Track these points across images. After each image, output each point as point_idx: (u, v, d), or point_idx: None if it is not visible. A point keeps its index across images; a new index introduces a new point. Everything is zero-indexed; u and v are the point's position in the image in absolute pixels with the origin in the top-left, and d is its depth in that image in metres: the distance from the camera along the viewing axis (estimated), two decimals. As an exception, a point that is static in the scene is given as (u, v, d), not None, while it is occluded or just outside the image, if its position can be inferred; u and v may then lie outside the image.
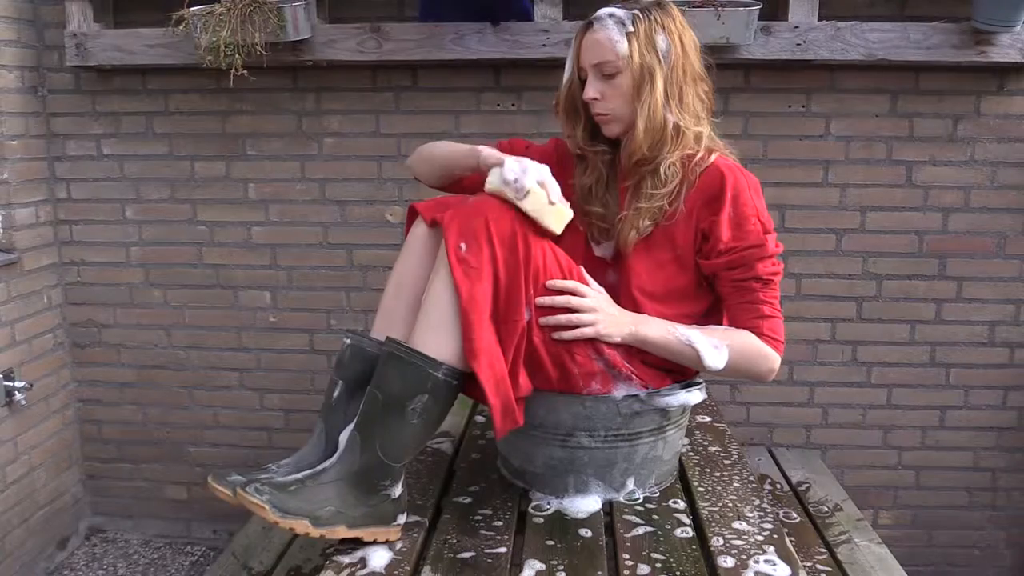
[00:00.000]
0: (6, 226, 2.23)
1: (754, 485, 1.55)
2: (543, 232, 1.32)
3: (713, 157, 1.40)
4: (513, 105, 2.23)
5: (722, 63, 1.94)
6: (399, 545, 1.30)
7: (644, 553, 1.29)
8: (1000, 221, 2.20)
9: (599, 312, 1.34)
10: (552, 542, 1.33)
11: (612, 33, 1.35)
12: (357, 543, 1.27)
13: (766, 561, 1.25)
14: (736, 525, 1.38)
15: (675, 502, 1.47)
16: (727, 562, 1.25)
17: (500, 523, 1.39)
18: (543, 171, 1.31)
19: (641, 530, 1.36)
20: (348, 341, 1.39)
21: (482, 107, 2.24)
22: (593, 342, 1.35)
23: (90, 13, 2.18)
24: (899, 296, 2.25)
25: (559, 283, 1.33)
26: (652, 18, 1.36)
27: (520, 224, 1.29)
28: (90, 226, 2.41)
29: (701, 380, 1.48)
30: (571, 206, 1.37)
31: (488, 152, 1.39)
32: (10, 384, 2.21)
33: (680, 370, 1.45)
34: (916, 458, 2.34)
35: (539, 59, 2.08)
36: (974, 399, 2.29)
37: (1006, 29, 1.96)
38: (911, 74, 2.13)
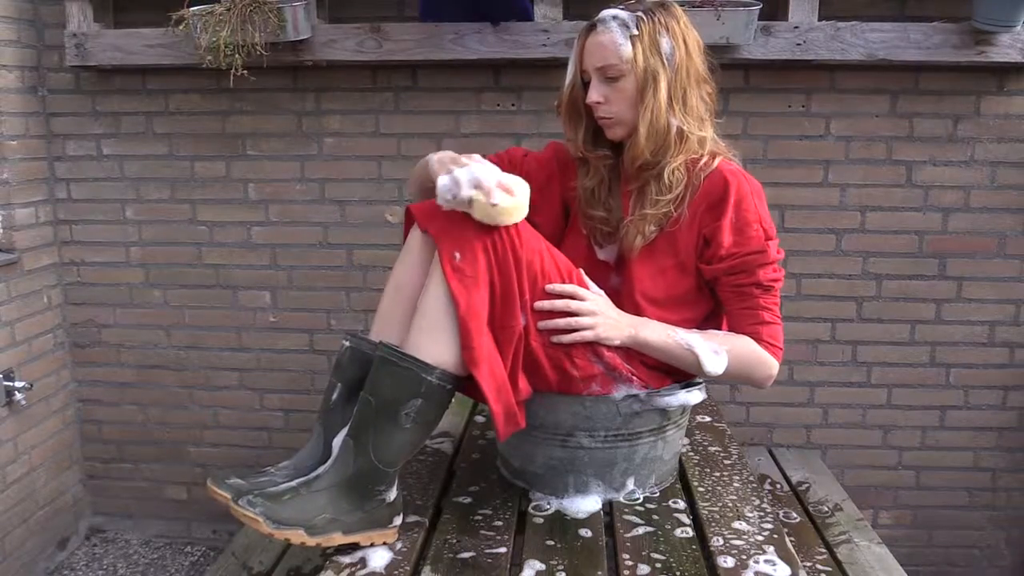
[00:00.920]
0: (6, 226, 2.23)
1: (754, 485, 1.55)
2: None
3: (717, 161, 1.39)
4: (513, 105, 2.23)
5: (722, 63, 1.93)
6: (399, 545, 1.30)
7: (644, 553, 1.29)
8: (1000, 221, 2.19)
9: (599, 315, 1.34)
10: (552, 542, 1.33)
11: (615, 36, 1.34)
12: (356, 545, 1.27)
13: (766, 561, 1.26)
14: (736, 525, 1.38)
15: (675, 502, 1.47)
16: (727, 562, 1.26)
17: (500, 523, 1.39)
18: (476, 172, 1.24)
19: (641, 530, 1.36)
20: (347, 344, 1.38)
21: (482, 107, 2.24)
22: (592, 345, 1.35)
23: (90, 13, 2.18)
24: (899, 296, 2.25)
25: (558, 287, 1.33)
26: (656, 20, 1.35)
27: (514, 228, 1.28)
28: (90, 226, 2.41)
29: (701, 380, 1.48)
30: (572, 207, 1.36)
31: (433, 163, 1.34)
32: (10, 384, 2.21)
33: (680, 371, 1.45)
34: (916, 458, 2.34)
35: (539, 59, 2.08)
36: (974, 399, 2.29)
37: (1006, 29, 1.96)
38: (911, 74, 2.13)
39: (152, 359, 2.47)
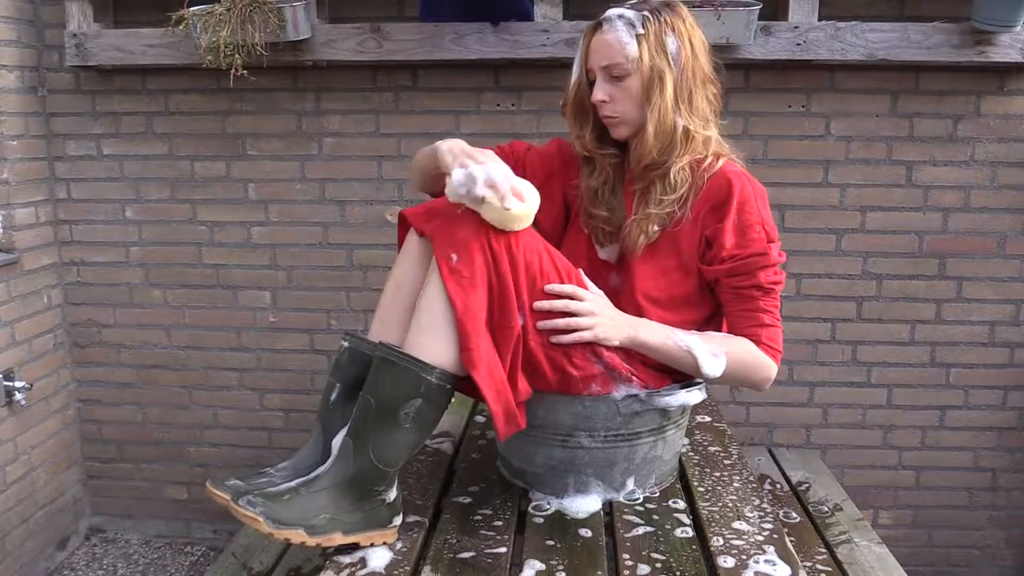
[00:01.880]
0: (6, 226, 2.23)
1: (754, 485, 1.55)
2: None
3: (721, 162, 1.39)
4: (513, 105, 2.23)
5: (722, 63, 1.95)
6: (399, 545, 1.30)
7: (644, 553, 1.29)
8: (1000, 221, 2.19)
9: (598, 316, 1.34)
10: (552, 542, 1.33)
11: (621, 35, 1.33)
12: (356, 545, 1.27)
13: (766, 561, 1.25)
14: (736, 525, 1.38)
15: (675, 502, 1.47)
16: (727, 562, 1.25)
17: (500, 523, 1.39)
18: (492, 172, 1.23)
19: (641, 530, 1.36)
20: (346, 344, 1.38)
21: (482, 107, 2.24)
22: (592, 345, 1.35)
23: (90, 13, 2.18)
24: (899, 296, 2.25)
25: (557, 287, 1.32)
26: (662, 19, 1.34)
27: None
28: (90, 226, 2.41)
29: (701, 380, 1.48)
30: (573, 205, 1.35)
31: (444, 153, 1.31)
32: (10, 384, 2.21)
33: (679, 371, 1.45)
34: (916, 458, 2.34)
35: (539, 59, 2.08)
36: (974, 399, 2.29)
37: (1006, 29, 1.96)
38: (911, 74, 2.13)
39: (152, 359, 2.47)
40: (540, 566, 1.25)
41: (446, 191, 1.27)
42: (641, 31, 1.33)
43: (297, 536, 1.20)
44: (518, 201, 1.24)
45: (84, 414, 2.54)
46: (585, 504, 1.45)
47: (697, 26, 1.39)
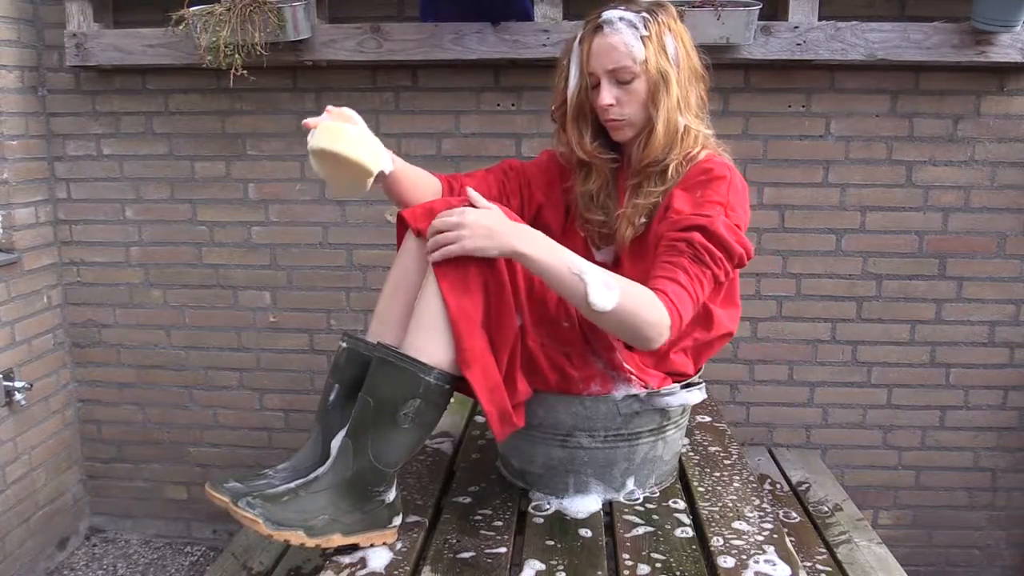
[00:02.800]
0: (6, 226, 2.23)
1: (754, 485, 1.55)
2: (355, 171, 1.29)
3: (703, 153, 1.39)
4: (513, 105, 2.23)
5: (722, 63, 1.95)
6: (399, 545, 1.30)
7: (644, 553, 1.29)
8: (1000, 221, 2.19)
9: (464, 228, 1.21)
10: (552, 542, 1.33)
11: (626, 37, 1.32)
12: (356, 545, 1.27)
13: (766, 561, 1.26)
14: (736, 525, 1.38)
15: (675, 502, 1.47)
16: (727, 562, 1.26)
17: (500, 523, 1.39)
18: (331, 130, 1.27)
19: (641, 530, 1.36)
20: (344, 345, 1.38)
21: (482, 107, 2.24)
22: (591, 344, 1.35)
23: (90, 13, 2.18)
24: (899, 296, 2.25)
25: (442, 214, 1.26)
26: (659, 20, 1.34)
27: None
28: (90, 226, 2.41)
29: (701, 380, 1.48)
30: (572, 214, 1.35)
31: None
32: (10, 384, 2.21)
33: (679, 371, 1.45)
34: (916, 458, 2.34)
35: (539, 59, 2.08)
36: (974, 399, 2.29)
37: (1006, 29, 1.96)
38: (911, 74, 2.13)
39: (152, 359, 2.47)
40: (540, 566, 1.25)
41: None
42: (646, 33, 1.32)
43: (296, 537, 1.20)
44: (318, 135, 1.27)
45: (84, 414, 2.54)
46: (585, 504, 1.45)
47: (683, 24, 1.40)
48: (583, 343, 1.35)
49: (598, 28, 1.35)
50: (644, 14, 1.34)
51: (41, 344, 2.37)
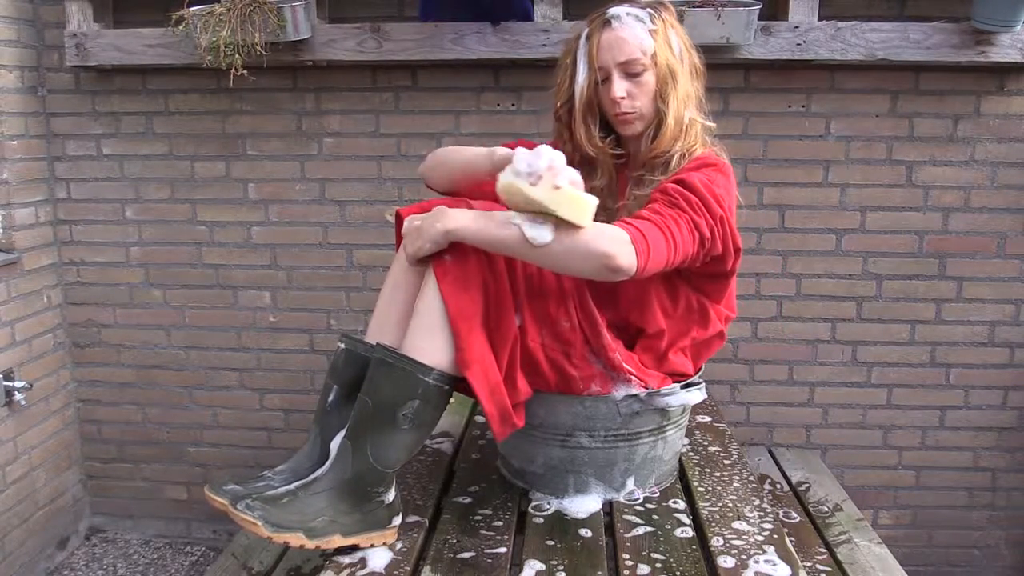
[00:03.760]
0: (6, 226, 2.23)
1: (754, 485, 1.55)
2: (567, 224, 1.18)
3: (698, 147, 1.40)
4: (513, 105, 2.23)
5: (722, 63, 1.95)
6: (399, 545, 1.30)
7: (644, 553, 1.29)
8: (1000, 221, 2.19)
9: (406, 236, 1.31)
10: (552, 542, 1.33)
11: (636, 31, 1.34)
12: (356, 546, 1.27)
13: (766, 561, 1.26)
14: (736, 525, 1.38)
15: (675, 502, 1.47)
16: (727, 562, 1.26)
17: (500, 523, 1.39)
18: (557, 157, 1.17)
19: (641, 530, 1.36)
20: (342, 346, 1.38)
21: (482, 107, 2.24)
22: (590, 344, 1.35)
23: (90, 13, 2.18)
24: (899, 296, 2.25)
25: None
26: (663, 17, 1.37)
27: None
28: (90, 226, 2.41)
29: (701, 380, 1.48)
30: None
31: (503, 152, 1.31)
32: (10, 384, 2.21)
33: (679, 371, 1.45)
34: (916, 458, 2.34)
35: (539, 59, 2.08)
36: (974, 399, 2.29)
37: (1006, 29, 1.96)
38: (911, 74, 2.13)
39: (152, 359, 2.47)
40: (540, 566, 1.25)
41: (501, 175, 1.20)
42: (654, 27, 1.35)
43: (296, 539, 1.20)
44: (568, 183, 1.17)
45: (84, 414, 2.54)
46: (585, 504, 1.45)
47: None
48: (583, 343, 1.35)
49: (606, 23, 1.37)
50: (650, 10, 1.37)
51: (41, 344, 2.37)
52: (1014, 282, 2.22)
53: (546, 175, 1.16)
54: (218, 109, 2.30)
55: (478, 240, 1.23)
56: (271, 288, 2.40)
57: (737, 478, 1.58)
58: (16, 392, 2.22)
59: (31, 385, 2.28)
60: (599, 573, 1.24)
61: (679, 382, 1.44)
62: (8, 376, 2.21)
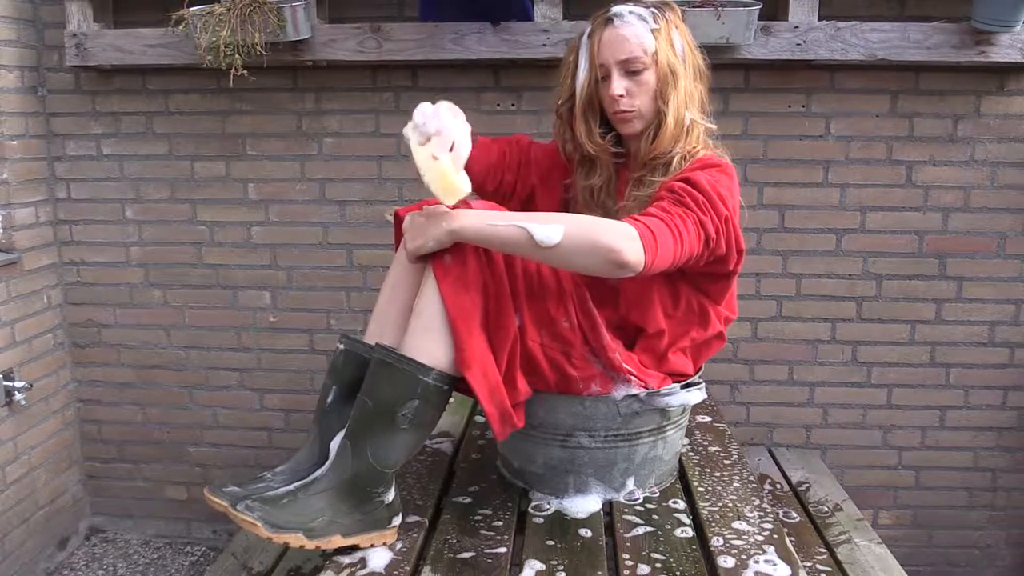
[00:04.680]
0: (6, 226, 2.23)
1: (754, 485, 1.55)
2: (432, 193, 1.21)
3: (700, 149, 1.40)
4: (513, 105, 2.23)
5: (722, 63, 1.95)
6: (399, 545, 1.30)
7: (644, 553, 1.29)
8: (1000, 221, 2.19)
9: (407, 232, 1.30)
10: (552, 542, 1.33)
11: (637, 29, 1.34)
12: (356, 546, 1.27)
13: (766, 561, 1.26)
14: (736, 525, 1.38)
15: (675, 502, 1.47)
16: (727, 562, 1.26)
17: (500, 523, 1.39)
18: (449, 127, 1.19)
19: (641, 530, 1.36)
20: (342, 346, 1.38)
21: (482, 107, 2.24)
22: (589, 344, 1.35)
23: (90, 13, 2.18)
24: (899, 296, 2.25)
25: None
26: (667, 17, 1.37)
27: None
28: (90, 226, 2.41)
29: (701, 380, 1.48)
30: (570, 211, 1.34)
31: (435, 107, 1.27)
32: (10, 384, 2.21)
33: (679, 371, 1.45)
34: (916, 458, 2.34)
35: (539, 59, 2.08)
36: (974, 399, 2.29)
37: (1006, 29, 1.96)
38: (911, 74, 2.13)
39: (152, 359, 2.47)
40: (540, 566, 1.25)
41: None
42: (656, 26, 1.35)
43: (296, 539, 1.20)
44: (449, 159, 1.19)
45: (84, 414, 2.54)
46: (585, 504, 1.45)
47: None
48: (583, 343, 1.35)
49: (609, 21, 1.37)
50: (653, 10, 1.37)
51: (41, 344, 2.37)
52: (1014, 282, 2.22)
53: (434, 139, 1.18)
54: (218, 109, 2.30)
55: (483, 239, 1.23)
56: (271, 288, 2.40)
57: (737, 478, 1.58)
58: (16, 392, 2.22)
59: (31, 385, 2.28)
60: (599, 573, 1.24)
61: (679, 382, 1.44)
62: (8, 376, 2.21)
